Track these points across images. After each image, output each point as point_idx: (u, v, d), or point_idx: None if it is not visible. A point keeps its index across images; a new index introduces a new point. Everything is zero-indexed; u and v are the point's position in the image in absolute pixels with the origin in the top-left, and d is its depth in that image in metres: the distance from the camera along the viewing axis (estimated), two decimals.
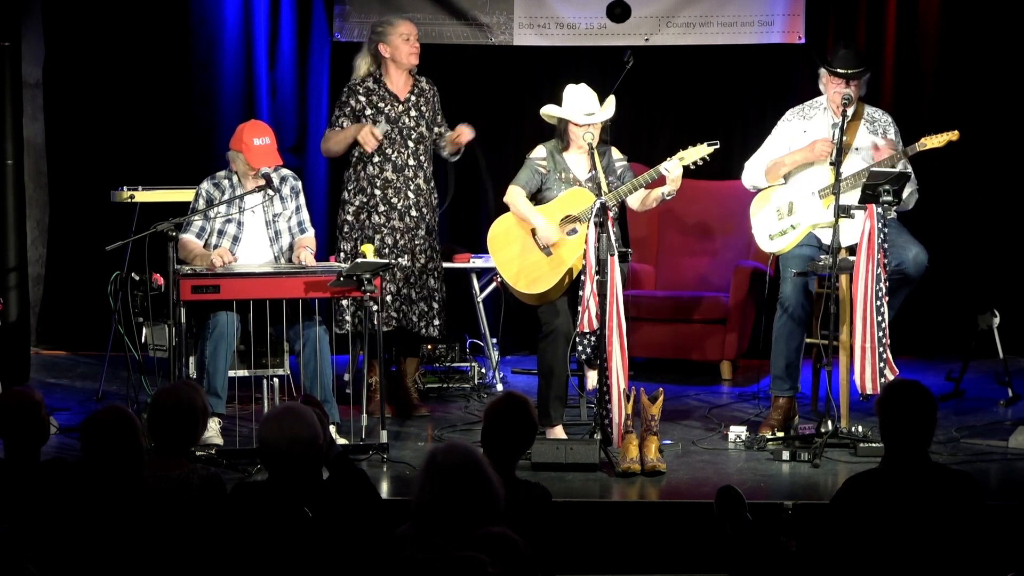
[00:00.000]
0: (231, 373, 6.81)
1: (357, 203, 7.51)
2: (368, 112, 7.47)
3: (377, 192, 7.48)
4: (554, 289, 6.89)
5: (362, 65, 7.58)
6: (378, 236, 7.42)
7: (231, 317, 6.69)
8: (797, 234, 7.10)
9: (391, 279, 7.40)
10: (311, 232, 7.17)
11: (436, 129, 7.63)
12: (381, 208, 7.47)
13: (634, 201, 7.03)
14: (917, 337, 8.95)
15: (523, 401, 4.85)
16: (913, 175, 7.01)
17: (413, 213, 7.50)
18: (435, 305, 7.57)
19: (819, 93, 7.27)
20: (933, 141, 6.93)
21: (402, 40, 7.50)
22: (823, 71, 7.15)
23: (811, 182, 7.10)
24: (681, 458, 6.75)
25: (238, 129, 7.02)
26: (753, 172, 7.26)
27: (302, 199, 7.17)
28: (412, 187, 7.50)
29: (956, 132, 6.94)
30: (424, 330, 7.55)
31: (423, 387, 8.00)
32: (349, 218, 7.53)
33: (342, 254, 7.50)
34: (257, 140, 6.94)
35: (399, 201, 7.49)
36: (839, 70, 7.03)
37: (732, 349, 8.60)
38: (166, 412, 4.71)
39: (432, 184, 7.59)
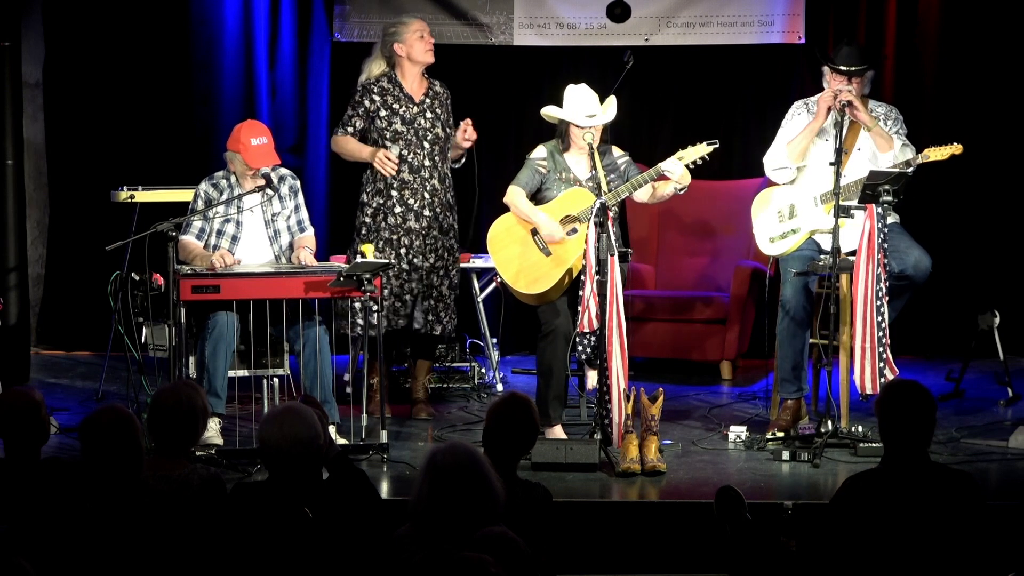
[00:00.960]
0: (231, 373, 6.81)
1: (375, 205, 7.49)
2: (383, 113, 7.44)
3: (394, 193, 7.45)
4: (554, 289, 6.89)
5: (374, 67, 7.56)
6: (395, 237, 7.41)
7: (231, 317, 6.69)
8: (797, 238, 7.09)
9: (398, 278, 7.39)
10: (311, 231, 7.17)
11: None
12: (398, 209, 7.45)
13: (643, 195, 7.01)
14: (917, 337, 8.95)
15: (526, 402, 4.85)
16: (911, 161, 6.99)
17: (427, 213, 7.49)
18: (435, 303, 7.53)
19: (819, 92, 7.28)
20: (936, 154, 6.89)
21: (417, 38, 7.50)
22: (826, 69, 7.14)
23: (814, 185, 7.09)
24: (681, 458, 6.75)
25: (235, 129, 7.01)
26: (775, 156, 7.19)
27: (301, 198, 7.16)
28: (428, 188, 7.49)
29: (960, 146, 6.88)
30: (432, 329, 7.53)
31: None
32: (367, 220, 7.50)
33: (358, 256, 7.47)
34: (254, 140, 6.94)
35: (415, 202, 7.47)
36: (841, 67, 7.03)
37: (732, 349, 8.60)
38: (166, 412, 4.71)
39: (448, 184, 7.58)
